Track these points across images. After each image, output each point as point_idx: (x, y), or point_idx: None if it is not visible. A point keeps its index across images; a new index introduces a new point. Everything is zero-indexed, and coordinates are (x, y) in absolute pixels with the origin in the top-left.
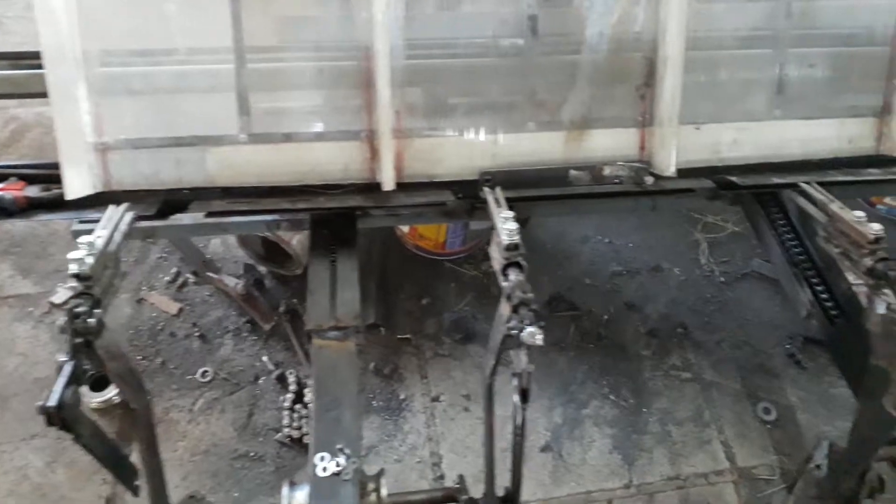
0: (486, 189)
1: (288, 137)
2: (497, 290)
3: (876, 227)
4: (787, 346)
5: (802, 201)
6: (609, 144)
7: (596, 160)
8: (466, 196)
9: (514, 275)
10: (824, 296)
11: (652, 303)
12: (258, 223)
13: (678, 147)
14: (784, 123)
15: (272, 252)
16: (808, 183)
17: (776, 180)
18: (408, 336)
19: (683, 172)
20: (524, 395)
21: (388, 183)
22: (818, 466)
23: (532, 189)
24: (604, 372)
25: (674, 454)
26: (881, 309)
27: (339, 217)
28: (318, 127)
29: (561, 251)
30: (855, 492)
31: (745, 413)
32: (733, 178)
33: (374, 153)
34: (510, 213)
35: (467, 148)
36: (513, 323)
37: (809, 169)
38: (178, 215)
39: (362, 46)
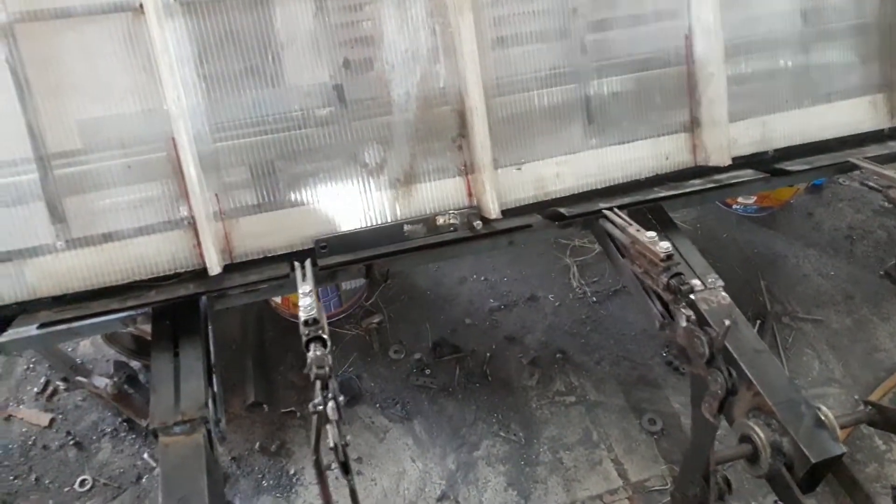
0: (296, 264)
1: (108, 237)
2: (382, 345)
3: (664, 246)
4: (664, 355)
5: (609, 226)
6: (438, 195)
7: (429, 212)
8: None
9: (313, 350)
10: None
11: (531, 333)
12: (112, 321)
13: (506, 188)
14: (600, 151)
15: (143, 344)
16: (609, 209)
17: (602, 205)
18: (292, 409)
19: (517, 210)
20: (346, 468)
21: (214, 267)
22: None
23: (370, 249)
24: (492, 409)
25: (567, 480)
26: (682, 322)
27: (179, 307)
28: (139, 222)
29: (441, 295)
30: (703, 498)
31: (632, 427)
32: (561, 210)
33: (198, 239)
34: (308, 288)
35: (298, 219)
36: (317, 399)
37: (637, 189)
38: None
39: (167, 137)
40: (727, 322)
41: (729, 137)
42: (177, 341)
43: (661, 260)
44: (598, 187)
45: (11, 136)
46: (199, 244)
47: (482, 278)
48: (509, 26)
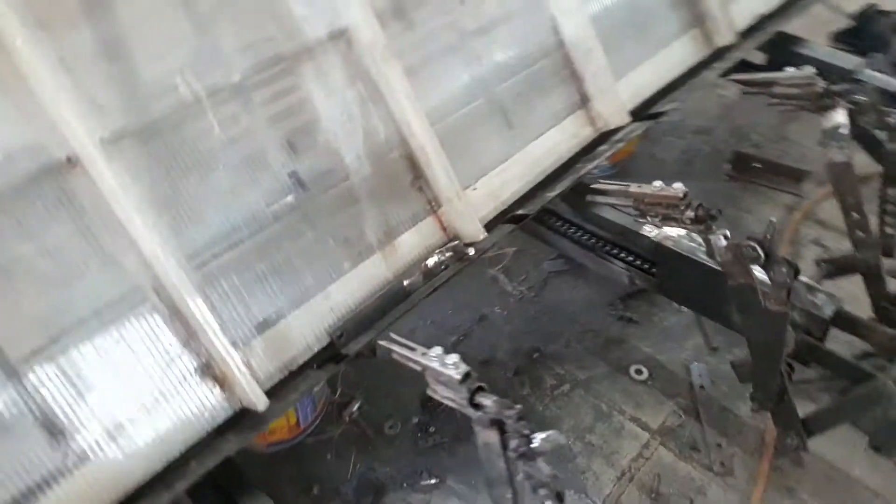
0: (380, 343)
1: (120, 429)
2: (374, 426)
3: (678, 186)
4: (614, 313)
5: (599, 197)
6: (417, 241)
7: (415, 259)
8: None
9: (485, 399)
10: (630, 258)
11: (498, 349)
12: None
13: (473, 209)
14: (526, 149)
15: None
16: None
17: (553, 194)
18: None
19: (488, 227)
20: (560, 498)
21: (260, 403)
22: (702, 387)
23: (381, 316)
24: None
25: (606, 456)
26: (722, 242)
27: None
28: (154, 394)
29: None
30: (783, 385)
31: (627, 384)
32: (523, 212)
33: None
34: (439, 349)
35: (306, 318)
36: (514, 443)
37: (567, 170)
38: None
39: (148, 288)
40: (772, 219)
41: (621, 100)
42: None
43: (681, 199)
44: (539, 180)
45: None
46: (226, 386)
47: (429, 322)
48: (414, 55)
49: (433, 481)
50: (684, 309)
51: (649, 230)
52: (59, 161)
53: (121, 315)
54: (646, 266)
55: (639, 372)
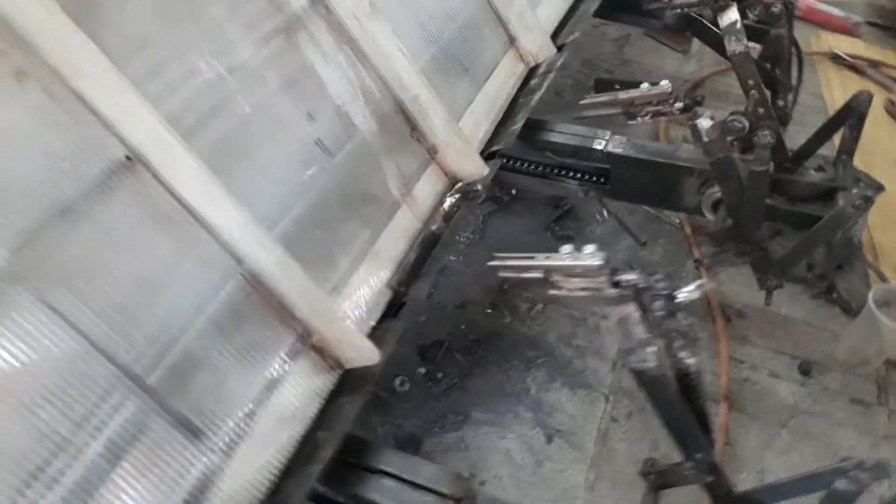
0: (492, 265)
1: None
2: (385, 388)
3: (665, 83)
4: (552, 235)
5: (588, 111)
6: (429, 189)
7: (433, 207)
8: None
9: (627, 275)
10: (579, 174)
11: (467, 291)
12: None
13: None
14: (483, 90)
15: None
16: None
17: (517, 126)
18: None
19: None
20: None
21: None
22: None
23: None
24: (506, 358)
25: (595, 353)
26: (707, 123)
27: None
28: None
29: None
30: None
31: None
32: (497, 148)
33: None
34: (569, 246)
35: (366, 276)
36: (658, 304)
37: (514, 107)
38: None
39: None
40: (752, 92)
41: (546, 36)
42: None
43: (669, 93)
44: (498, 119)
45: None
46: (327, 353)
47: None
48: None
49: (460, 418)
50: (607, 217)
51: (598, 143)
52: (119, 160)
53: (218, 304)
54: (596, 178)
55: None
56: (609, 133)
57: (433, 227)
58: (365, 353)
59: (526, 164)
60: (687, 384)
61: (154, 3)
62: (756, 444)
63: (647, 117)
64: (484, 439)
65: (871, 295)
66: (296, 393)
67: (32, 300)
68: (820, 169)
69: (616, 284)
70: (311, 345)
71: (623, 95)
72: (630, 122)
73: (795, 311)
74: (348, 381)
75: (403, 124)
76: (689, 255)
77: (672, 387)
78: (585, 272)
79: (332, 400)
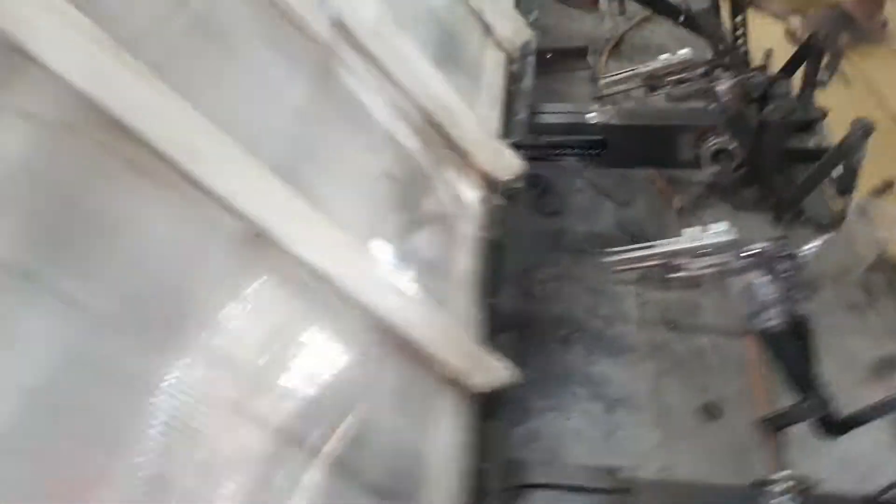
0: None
1: None
2: None
3: (685, 51)
4: (538, 212)
5: (608, 89)
6: (472, 194)
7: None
8: None
9: (756, 246)
10: (576, 150)
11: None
12: None
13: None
14: (481, 81)
15: None
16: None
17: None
18: None
19: None
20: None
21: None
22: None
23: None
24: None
25: (620, 318)
26: (726, 84)
27: None
28: None
29: None
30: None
31: (588, 259)
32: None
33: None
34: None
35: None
36: (784, 265)
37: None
38: None
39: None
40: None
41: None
42: None
43: (691, 59)
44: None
45: None
46: (459, 383)
47: None
48: None
49: (522, 410)
50: (582, 188)
51: (591, 117)
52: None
53: (364, 361)
54: (592, 150)
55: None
56: (597, 105)
57: (490, 234)
58: (495, 374)
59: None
60: (801, 331)
61: (216, 60)
62: None
63: (668, 87)
64: (552, 425)
65: (851, 208)
66: (448, 428)
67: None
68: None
69: (744, 255)
70: (447, 378)
71: (644, 69)
72: (654, 94)
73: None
74: (483, 405)
75: (436, 135)
76: (669, 207)
77: (793, 339)
78: (715, 250)
79: (477, 428)
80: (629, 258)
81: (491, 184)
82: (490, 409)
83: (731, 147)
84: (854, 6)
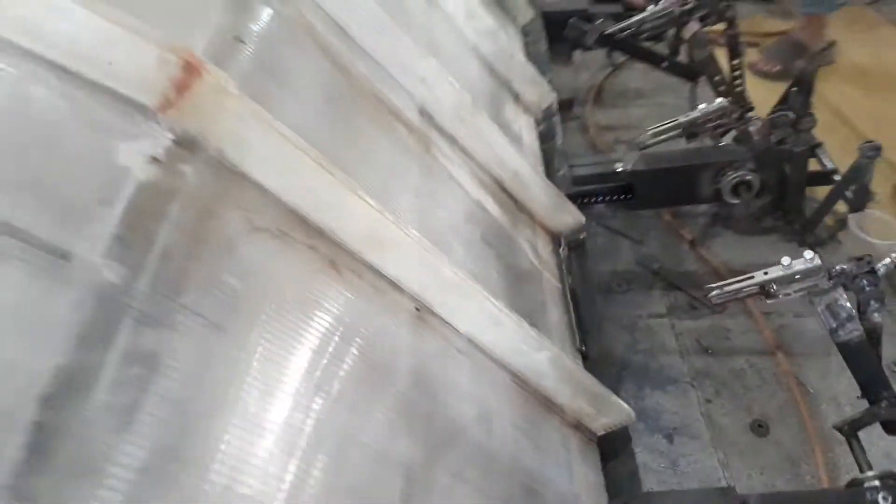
0: (712, 294)
1: None
2: None
3: (720, 100)
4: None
5: (652, 140)
6: (548, 249)
7: (556, 264)
8: None
9: (845, 265)
10: (605, 197)
11: None
12: None
13: None
14: (523, 146)
15: None
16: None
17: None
18: None
19: None
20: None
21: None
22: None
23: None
24: None
25: (659, 349)
26: (756, 125)
27: None
28: None
29: None
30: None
31: (615, 296)
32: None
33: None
34: (787, 258)
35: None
36: (863, 282)
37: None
38: None
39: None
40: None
41: (540, 79)
42: None
43: (727, 107)
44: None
45: None
46: (583, 426)
47: None
48: None
49: None
50: (598, 231)
51: (619, 166)
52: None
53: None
54: (621, 196)
55: (619, 285)
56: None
57: (568, 283)
58: (618, 415)
59: None
60: (874, 340)
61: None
62: (816, 377)
63: (707, 134)
64: None
65: (849, 221)
66: (584, 475)
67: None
68: None
69: (830, 277)
70: (571, 424)
71: (684, 119)
72: (692, 141)
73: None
74: (605, 447)
75: (508, 199)
76: (679, 239)
77: (869, 348)
78: (805, 275)
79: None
80: (729, 290)
81: (556, 238)
82: (616, 450)
83: (749, 178)
84: (802, 32)
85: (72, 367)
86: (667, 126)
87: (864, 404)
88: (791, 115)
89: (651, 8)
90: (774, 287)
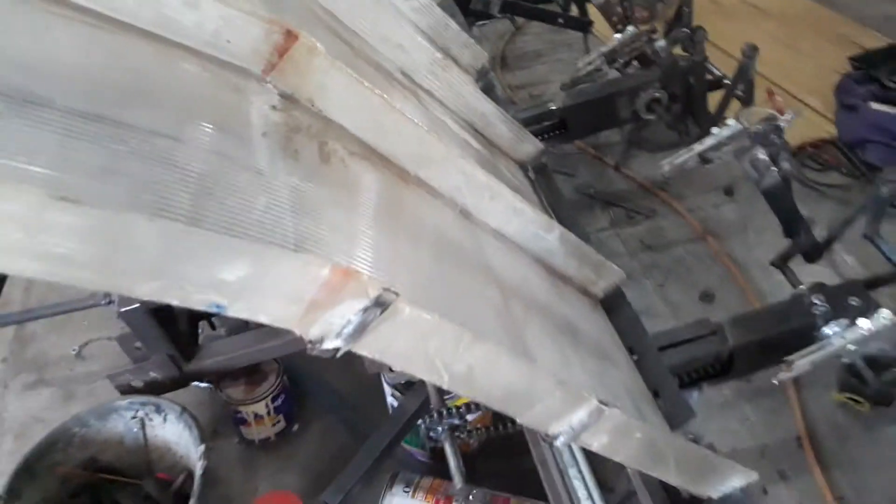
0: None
1: None
2: None
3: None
4: None
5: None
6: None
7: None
8: None
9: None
10: (542, 135)
11: None
12: None
13: None
14: None
15: None
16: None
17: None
18: None
19: None
20: None
21: None
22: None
23: None
24: None
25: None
26: (662, 43)
27: None
28: None
29: None
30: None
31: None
32: None
33: None
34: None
35: None
36: (772, 136)
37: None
38: None
39: None
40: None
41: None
42: None
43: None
44: None
45: None
46: None
47: None
48: None
49: None
50: None
51: (551, 105)
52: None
53: None
54: (558, 130)
55: None
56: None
57: (545, 202)
58: (613, 276)
59: None
60: (788, 184)
61: None
62: (741, 250)
63: (627, 59)
64: None
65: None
66: (603, 324)
67: None
68: None
69: (749, 136)
70: (580, 290)
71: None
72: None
73: None
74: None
75: (482, 137)
76: (604, 165)
77: (786, 191)
78: (731, 139)
79: None
80: (677, 163)
81: (523, 165)
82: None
83: (658, 95)
84: None
85: None
86: (592, 58)
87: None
88: (686, 30)
89: None
90: (710, 153)
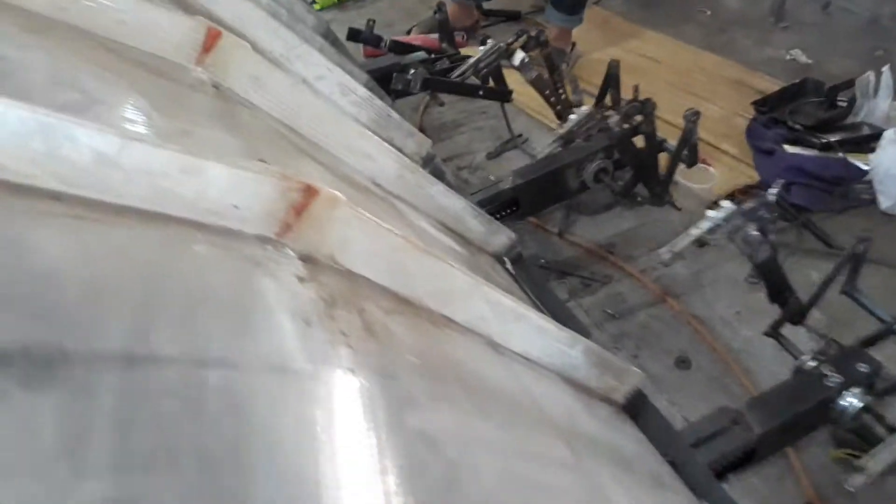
0: None
1: None
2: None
3: (584, 107)
4: None
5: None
6: None
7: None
8: None
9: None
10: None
11: None
12: None
13: None
14: None
15: None
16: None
17: None
18: None
19: None
20: None
21: None
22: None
23: None
24: None
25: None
26: (615, 118)
27: None
28: None
29: None
30: None
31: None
32: None
33: None
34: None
35: None
36: (762, 213)
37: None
38: None
39: None
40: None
41: None
42: None
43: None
44: None
45: None
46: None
47: None
48: None
49: None
50: None
51: (504, 184)
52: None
53: None
54: (511, 209)
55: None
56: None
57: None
58: (634, 379)
59: None
60: (776, 257)
61: None
62: (702, 306)
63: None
64: None
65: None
66: (634, 435)
67: None
68: None
69: (745, 214)
70: (603, 399)
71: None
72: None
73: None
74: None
75: (458, 236)
76: (548, 234)
77: (776, 263)
78: (727, 219)
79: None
80: (675, 251)
81: (500, 259)
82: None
83: (604, 165)
84: (556, 42)
85: None
86: (551, 142)
87: (743, 317)
88: (637, 104)
89: (481, 48)
90: (706, 236)
